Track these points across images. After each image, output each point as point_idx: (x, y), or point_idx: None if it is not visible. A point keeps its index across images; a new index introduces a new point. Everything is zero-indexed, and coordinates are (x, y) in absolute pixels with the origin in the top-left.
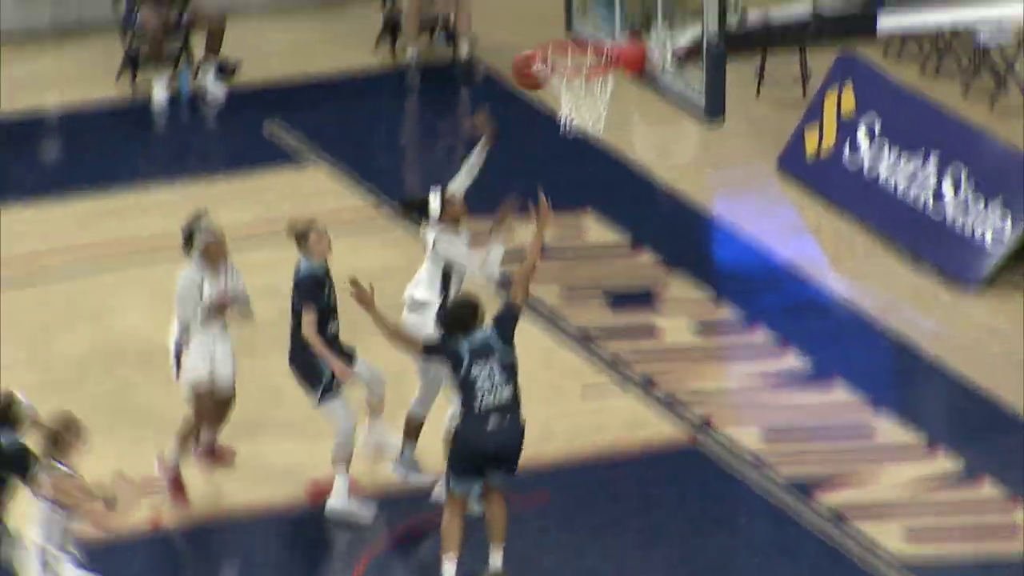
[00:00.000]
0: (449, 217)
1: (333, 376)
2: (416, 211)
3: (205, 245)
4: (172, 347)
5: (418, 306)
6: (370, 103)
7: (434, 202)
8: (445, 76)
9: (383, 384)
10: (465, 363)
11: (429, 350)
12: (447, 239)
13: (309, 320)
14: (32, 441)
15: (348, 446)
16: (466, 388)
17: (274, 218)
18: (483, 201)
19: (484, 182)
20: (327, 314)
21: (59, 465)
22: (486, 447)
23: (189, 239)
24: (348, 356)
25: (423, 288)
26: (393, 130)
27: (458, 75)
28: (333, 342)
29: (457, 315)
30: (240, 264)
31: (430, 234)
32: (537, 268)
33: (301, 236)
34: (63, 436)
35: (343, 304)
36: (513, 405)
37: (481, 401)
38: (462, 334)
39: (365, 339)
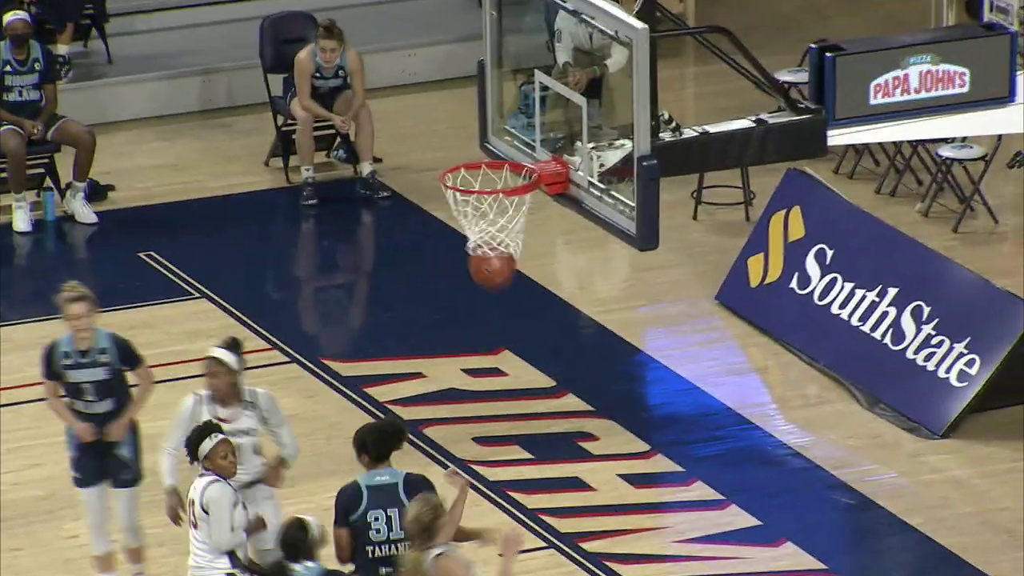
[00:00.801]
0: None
1: (80, 459)
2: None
3: (209, 456)
4: None
5: None
6: (260, 227)
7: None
8: (345, 196)
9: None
10: (363, 504)
11: (337, 518)
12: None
13: (44, 390)
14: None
15: (94, 543)
16: (359, 530)
17: (149, 360)
18: (392, 338)
19: (391, 315)
20: (77, 392)
21: (441, 551)
22: None
23: (195, 448)
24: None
25: None
26: (287, 257)
27: (359, 194)
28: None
29: (376, 436)
30: None
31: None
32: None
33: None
34: (432, 521)
35: None
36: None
37: (373, 550)
38: (371, 457)
39: None
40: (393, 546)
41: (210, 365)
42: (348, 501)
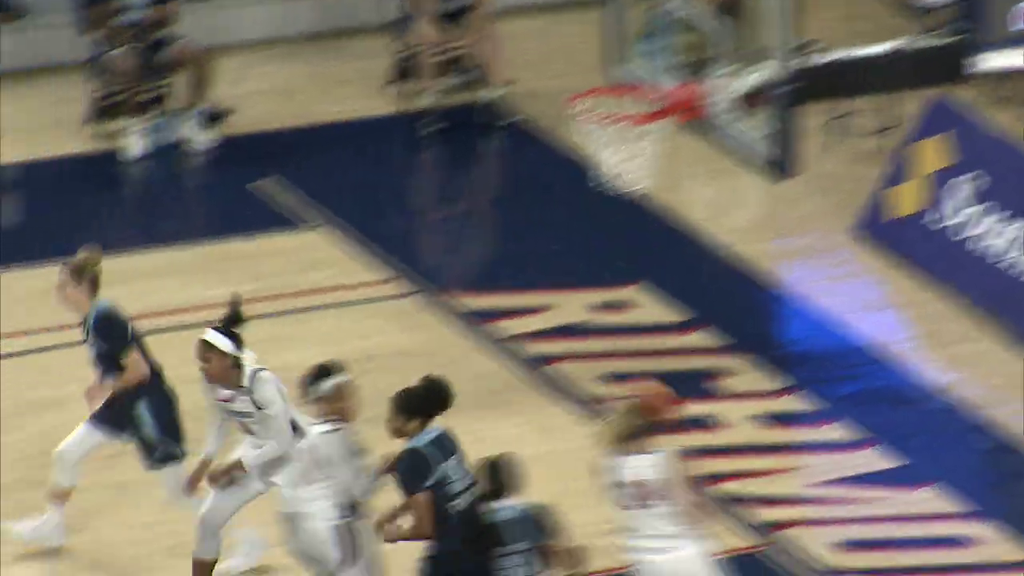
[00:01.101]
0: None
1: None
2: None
3: (327, 398)
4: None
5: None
6: (378, 155)
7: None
8: (466, 122)
9: None
10: (433, 463)
11: (413, 483)
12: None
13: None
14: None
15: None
16: (439, 493)
17: (264, 292)
18: (519, 273)
19: (518, 250)
20: None
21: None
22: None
23: (313, 388)
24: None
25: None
26: (406, 186)
27: (482, 122)
28: None
29: (438, 393)
30: None
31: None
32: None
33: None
34: (653, 412)
35: None
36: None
37: (455, 504)
38: (423, 420)
39: None
40: (466, 493)
41: (201, 349)
42: (418, 467)
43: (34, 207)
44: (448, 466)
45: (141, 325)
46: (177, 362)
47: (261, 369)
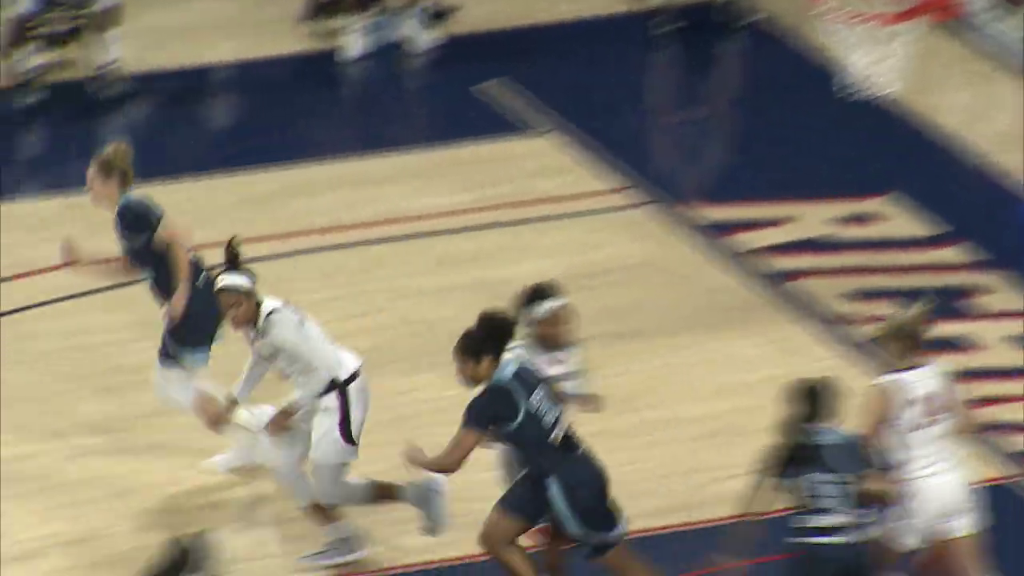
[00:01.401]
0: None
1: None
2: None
3: (542, 321)
4: None
5: None
6: (610, 56)
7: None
8: (702, 21)
9: None
10: (522, 401)
11: (478, 420)
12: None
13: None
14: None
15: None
16: (532, 429)
17: (487, 201)
18: (758, 182)
19: (758, 158)
20: None
21: None
22: (603, 482)
23: (526, 309)
24: None
25: None
26: (639, 90)
27: (720, 21)
28: None
29: (500, 326)
30: (445, 255)
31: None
32: None
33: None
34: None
35: None
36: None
37: (554, 435)
38: (492, 358)
39: None
40: (558, 424)
41: (225, 298)
42: (498, 404)
43: (248, 109)
44: (535, 399)
45: (361, 234)
46: (401, 273)
47: (274, 310)
